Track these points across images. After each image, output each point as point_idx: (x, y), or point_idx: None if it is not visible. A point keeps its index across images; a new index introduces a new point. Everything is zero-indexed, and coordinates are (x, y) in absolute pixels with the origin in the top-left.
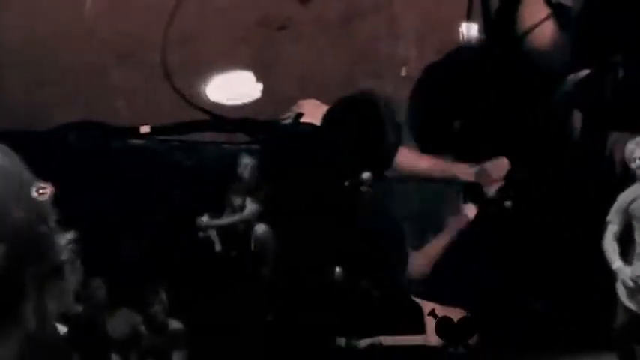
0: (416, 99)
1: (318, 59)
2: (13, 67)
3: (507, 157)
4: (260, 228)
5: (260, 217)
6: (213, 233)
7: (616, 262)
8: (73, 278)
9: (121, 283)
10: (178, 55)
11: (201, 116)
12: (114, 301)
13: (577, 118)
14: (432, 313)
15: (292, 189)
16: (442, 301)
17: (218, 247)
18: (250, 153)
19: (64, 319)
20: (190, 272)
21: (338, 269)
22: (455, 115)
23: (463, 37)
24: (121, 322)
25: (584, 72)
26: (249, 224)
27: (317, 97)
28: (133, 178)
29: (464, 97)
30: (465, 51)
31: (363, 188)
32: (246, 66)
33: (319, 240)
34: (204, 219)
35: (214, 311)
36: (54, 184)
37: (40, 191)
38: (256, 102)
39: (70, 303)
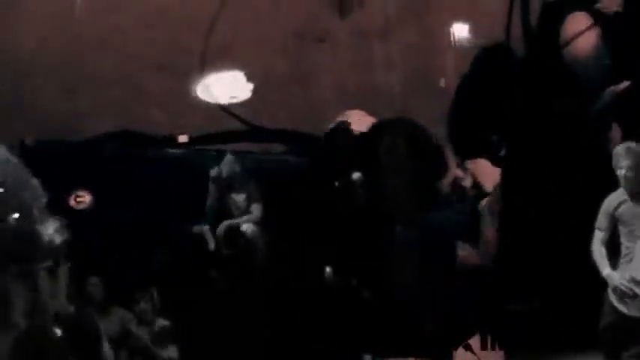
0: (455, 109)
1: (355, 70)
2: (48, 77)
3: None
4: (249, 228)
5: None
6: (207, 232)
7: (605, 270)
8: (64, 277)
9: (115, 282)
10: (216, 65)
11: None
12: (109, 299)
13: (616, 130)
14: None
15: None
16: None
17: (212, 245)
18: (284, 163)
19: (57, 319)
20: (183, 271)
21: (328, 269)
22: (493, 125)
23: (454, 40)
24: (113, 321)
25: (624, 84)
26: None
27: (353, 108)
28: (170, 187)
29: (501, 107)
30: (504, 61)
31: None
32: (283, 76)
33: (310, 240)
34: (204, 228)
35: (206, 309)
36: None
37: (78, 199)
38: (294, 112)
39: (63, 302)
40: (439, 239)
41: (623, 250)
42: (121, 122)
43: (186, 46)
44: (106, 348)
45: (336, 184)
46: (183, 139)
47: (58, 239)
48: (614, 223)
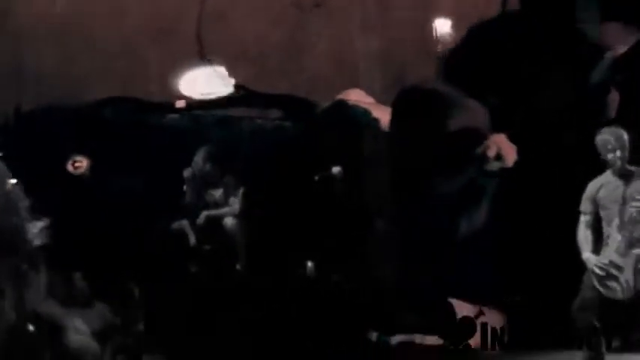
0: (453, 72)
1: (352, 39)
2: (48, 43)
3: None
4: (229, 221)
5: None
6: (187, 226)
7: (585, 252)
8: (44, 275)
9: (97, 278)
10: (213, 33)
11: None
12: (91, 295)
13: (614, 94)
14: (479, 313)
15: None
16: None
17: (192, 240)
18: (275, 130)
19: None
20: (164, 266)
21: (310, 263)
22: (490, 88)
23: (436, 34)
24: (95, 317)
25: (623, 49)
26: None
27: (350, 77)
28: (168, 152)
29: (500, 70)
30: (501, 24)
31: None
32: (279, 44)
33: (291, 234)
34: (183, 223)
35: (188, 306)
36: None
37: (76, 164)
38: (292, 80)
39: (42, 298)
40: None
41: (604, 234)
42: (119, 88)
43: (183, 14)
44: (85, 343)
45: (316, 178)
46: (180, 104)
47: (39, 240)
48: (597, 206)
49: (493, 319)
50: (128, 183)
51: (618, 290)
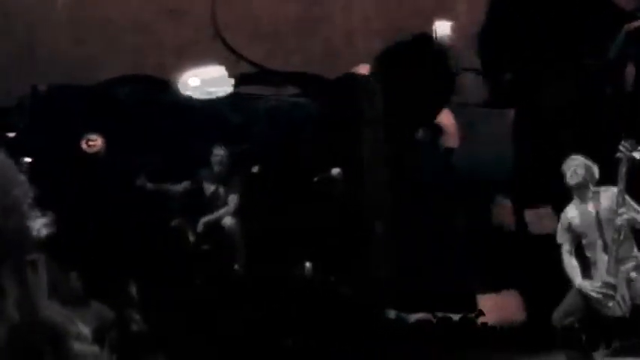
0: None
1: (366, 14)
2: (62, 24)
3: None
4: (228, 221)
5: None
6: (186, 225)
7: (577, 279)
8: (44, 271)
9: (94, 277)
10: (228, 11)
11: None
12: (87, 294)
13: (630, 68)
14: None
15: (264, 184)
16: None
17: (192, 238)
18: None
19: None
20: (162, 265)
21: (308, 264)
22: (506, 64)
23: (436, 36)
24: (92, 316)
25: (637, 22)
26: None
27: (364, 51)
28: (182, 130)
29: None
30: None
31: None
32: (294, 21)
33: (290, 234)
34: (182, 221)
35: (185, 304)
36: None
37: (90, 142)
38: (307, 57)
39: (44, 300)
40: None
41: (590, 260)
42: (133, 68)
43: None
44: (88, 349)
45: (315, 179)
46: (194, 82)
47: (43, 233)
48: (575, 235)
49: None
50: (141, 163)
51: (617, 308)
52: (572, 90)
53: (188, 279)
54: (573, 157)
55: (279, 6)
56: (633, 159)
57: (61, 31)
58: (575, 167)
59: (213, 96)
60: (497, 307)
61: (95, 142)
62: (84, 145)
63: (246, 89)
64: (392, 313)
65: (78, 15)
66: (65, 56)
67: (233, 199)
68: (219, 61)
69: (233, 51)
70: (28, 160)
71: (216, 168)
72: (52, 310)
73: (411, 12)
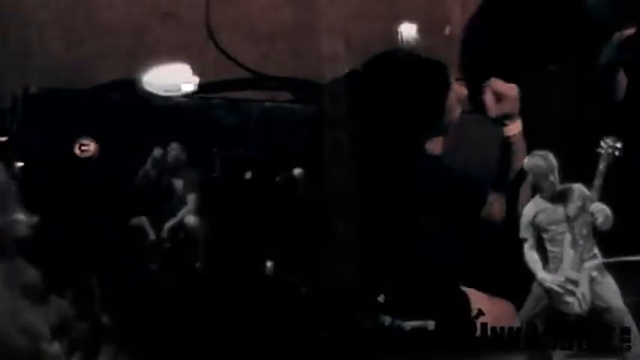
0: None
1: (360, 18)
2: (55, 26)
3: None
4: (190, 220)
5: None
6: (146, 223)
7: (539, 273)
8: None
9: (52, 272)
10: (221, 14)
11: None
12: (46, 289)
13: (622, 76)
14: (479, 313)
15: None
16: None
17: (152, 236)
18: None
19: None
20: (123, 263)
21: (269, 264)
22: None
23: (401, 39)
24: (50, 312)
25: (631, 30)
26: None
27: (358, 57)
28: (175, 135)
29: (508, 52)
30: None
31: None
32: (288, 25)
33: (251, 234)
34: (142, 219)
35: (146, 303)
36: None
37: (83, 147)
38: (301, 62)
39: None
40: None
41: (550, 255)
42: (126, 71)
43: None
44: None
45: (277, 179)
46: (188, 87)
47: (23, 232)
48: (537, 231)
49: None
50: (133, 166)
51: (575, 304)
52: (561, 96)
53: (149, 277)
54: (538, 154)
55: (274, 10)
56: (614, 155)
57: (54, 34)
58: (543, 167)
59: (177, 93)
60: (488, 308)
61: (88, 147)
62: (77, 150)
63: (239, 94)
64: (387, 320)
65: (71, 18)
66: (58, 59)
67: (192, 198)
68: (212, 65)
69: (226, 54)
70: (20, 164)
71: (172, 164)
72: (30, 314)
73: (405, 17)
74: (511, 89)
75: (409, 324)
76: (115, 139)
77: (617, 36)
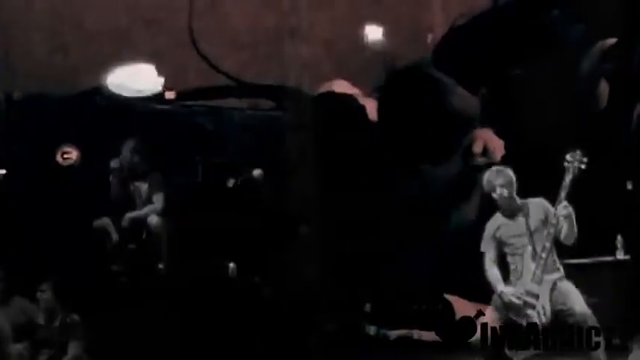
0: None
1: (344, 25)
2: (39, 32)
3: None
4: (154, 220)
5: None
6: (109, 225)
7: (499, 287)
8: None
9: (15, 273)
10: (204, 21)
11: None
12: (9, 290)
13: (604, 86)
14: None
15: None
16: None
17: (115, 237)
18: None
19: None
20: (86, 264)
21: (232, 265)
22: (481, 81)
23: (367, 41)
24: (15, 312)
25: (612, 40)
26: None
27: (342, 62)
28: (156, 141)
29: (490, 63)
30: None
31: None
32: (272, 31)
33: (213, 235)
34: (105, 221)
35: (110, 304)
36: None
37: (65, 155)
38: (282, 68)
39: None
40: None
41: (511, 268)
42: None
43: (175, 2)
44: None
45: (237, 180)
46: (170, 95)
47: None
48: (499, 245)
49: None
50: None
51: (535, 317)
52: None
53: (112, 277)
54: (496, 169)
55: (256, 16)
56: (579, 169)
57: (37, 40)
58: (499, 182)
59: (141, 94)
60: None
61: (70, 155)
62: (59, 158)
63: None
64: (372, 329)
65: (55, 23)
66: (42, 65)
67: (159, 198)
68: (195, 71)
69: (208, 61)
70: (2, 171)
71: (133, 162)
72: None
73: (390, 25)
74: (499, 147)
75: (394, 333)
76: (96, 145)
77: (599, 46)
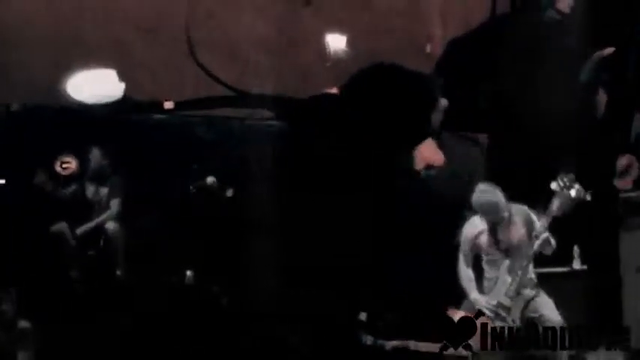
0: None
1: (340, 34)
2: (37, 44)
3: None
4: (111, 226)
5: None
6: (67, 230)
7: (473, 293)
8: None
9: None
10: (202, 31)
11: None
12: None
13: (602, 95)
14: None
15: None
16: None
17: (72, 242)
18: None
19: None
20: (43, 271)
21: (189, 273)
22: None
23: (329, 50)
24: None
25: (609, 49)
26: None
27: (338, 72)
28: (155, 152)
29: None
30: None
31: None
32: (269, 41)
33: (172, 242)
34: (62, 225)
35: (67, 311)
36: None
37: (64, 165)
38: (281, 78)
39: None
40: None
41: (486, 276)
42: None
43: (173, 13)
44: None
45: (191, 187)
46: (169, 105)
47: None
48: (477, 249)
49: None
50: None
51: (505, 330)
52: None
53: (68, 284)
54: (484, 189)
55: (254, 27)
56: (568, 196)
57: (36, 51)
58: (489, 206)
59: (103, 100)
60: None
61: (69, 165)
62: (58, 168)
63: (220, 112)
64: (368, 339)
65: (53, 35)
66: (40, 76)
67: (115, 204)
68: (193, 81)
69: (206, 72)
70: (2, 181)
71: (95, 169)
72: None
73: (386, 34)
74: (439, 160)
75: (390, 344)
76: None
77: (597, 55)
